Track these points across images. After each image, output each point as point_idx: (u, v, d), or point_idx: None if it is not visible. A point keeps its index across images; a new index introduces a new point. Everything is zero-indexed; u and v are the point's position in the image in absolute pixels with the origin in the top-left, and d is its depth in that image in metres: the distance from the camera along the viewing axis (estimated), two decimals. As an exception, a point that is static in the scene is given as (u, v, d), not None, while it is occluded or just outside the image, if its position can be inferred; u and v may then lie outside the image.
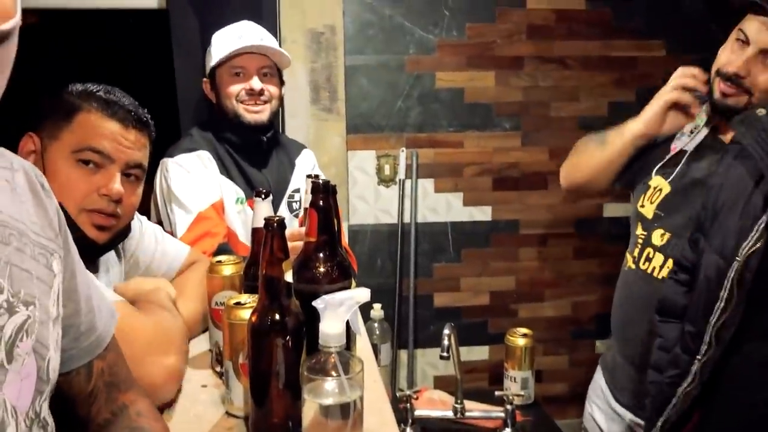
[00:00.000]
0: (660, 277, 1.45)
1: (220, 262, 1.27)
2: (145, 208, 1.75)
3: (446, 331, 1.49)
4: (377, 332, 2.01)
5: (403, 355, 2.80)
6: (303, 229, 1.15)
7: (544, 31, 2.68)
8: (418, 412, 1.69)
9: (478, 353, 2.86)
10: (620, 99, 2.73)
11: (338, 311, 0.86)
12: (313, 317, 0.88)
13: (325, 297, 0.87)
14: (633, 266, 1.54)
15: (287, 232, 0.95)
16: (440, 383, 2.82)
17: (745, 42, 1.35)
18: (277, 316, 0.91)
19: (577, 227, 2.84)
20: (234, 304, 1.05)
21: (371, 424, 0.98)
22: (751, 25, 1.34)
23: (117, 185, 1.16)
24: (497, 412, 1.68)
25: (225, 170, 1.85)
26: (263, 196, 1.21)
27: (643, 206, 1.54)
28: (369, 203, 2.72)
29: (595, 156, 1.64)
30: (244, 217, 1.82)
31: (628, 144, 1.56)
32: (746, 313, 1.31)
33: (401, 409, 1.66)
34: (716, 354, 1.35)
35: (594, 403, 1.72)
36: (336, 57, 2.55)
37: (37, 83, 1.89)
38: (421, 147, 2.71)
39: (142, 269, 1.40)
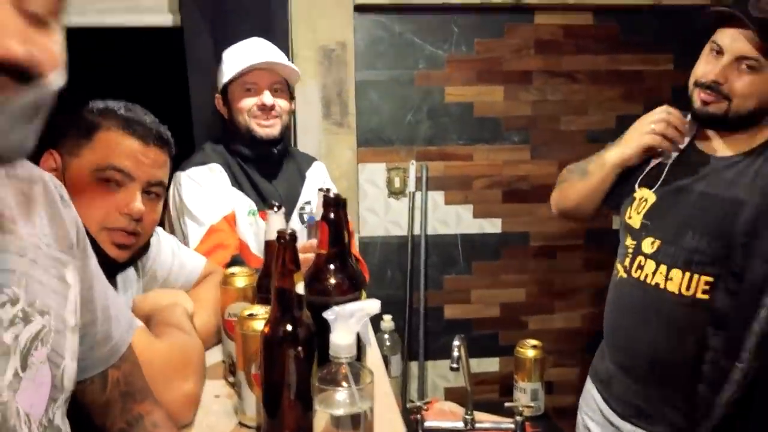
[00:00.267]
0: (653, 283, 1.50)
1: (233, 274, 1.29)
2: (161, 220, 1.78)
3: (456, 343, 1.50)
4: (387, 344, 2.02)
5: (414, 366, 2.80)
6: (314, 242, 1.17)
7: (553, 45, 2.70)
8: (428, 424, 1.69)
9: (489, 365, 2.86)
10: (628, 112, 2.74)
11: (349, 323, 0.87)
12: (324, 328, 0.89)
13: (336, 308, 0.88)
14: (625, 275, 1.58)
15: (299, 245, 0.97)
16: (451, 395, 2.82)
17: (720, 52, 1.42)
18: (289, 328, 0.93)
19: (586, 239, 2.85)
20: (247, 315, 1.07)
21: (381, 434, 0.99)
22: (725, 35, 1.41)
23: (138, 204, 1.16)
24: (507, 423, 1.69)
25: (236, 183, 1.87)
26: (276, 209, 1.23)
27: (630, 218, 1.59)
28: (379, 215, 2.74)
29: (578, 186, 1.71)
30: (256, 229, 1.85)
31: (608, 174, 1.63)
32: None
33: (411, 420, 1.66)
34: (757, 362, 1.40)
35: (586, 415, 1.74)
36: (347, 72, 2.58)
37: (56, 100, 1.93)
38: (431, 160, 2.73)
39: (160, 282, 1.42)
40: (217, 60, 2.04)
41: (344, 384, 0.85)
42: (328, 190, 1.55)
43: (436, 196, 2.76)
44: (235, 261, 1.67)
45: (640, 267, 1.54)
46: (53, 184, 0.80)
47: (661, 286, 1.49)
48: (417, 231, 2.75)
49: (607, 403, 1.65)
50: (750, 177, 1.43)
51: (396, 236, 2.75)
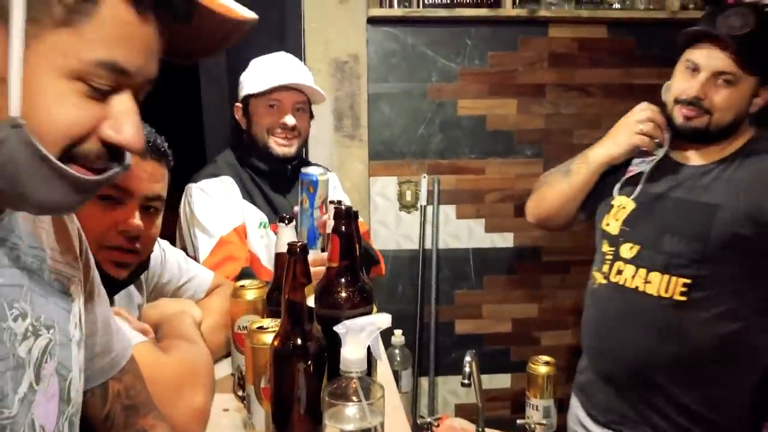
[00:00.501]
0: (633, 286, 1.57)
1: (243, 286, 1.28)
2: (170, 233, 1.78)
3: (467, 359, 1.48)
4: (398, 358, 2.00)
5: (424, 382, 2.78)
6: (325, 255, 1.16)
7: (566, 59, 2.69)
8: (438, 440, 1.67)
9: (500, 381, 2.83)
10: (643, 126, 2.73)
11: (359, 336, 0.86)
12: (335, 342, 0.88)
13: (347, 322, 0.87)
14: (604, 281, 1.64)
15: (310, 258, 0.96)
16: (461, 411, 2.79)
17: (696, 69, 1.50)
18: (299, 341, 0.92)
19: (600, 255, 2.82)
20: (257, 328, 1.06)
21: (391, 451, 0.98)
22: (700, 53, 1.50)
23: (136, 221, 1.12)
24: (519, 441, 1.66)
25: (248, 195, 1.87)
26: (287, 222, 1.22)
27: (608, 224, 1.65)
28: (390, 229, 2.73)
29: (561, 186, 1.75)
30: (266, 242, 1.84)
31: (594, 172, 1.68)
32: None
33: (422, 436, 1.64)
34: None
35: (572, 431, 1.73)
36: (359, 85, 2.58)
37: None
38: (443, 173, 2.72)
39: (167, 297, 1.41)
40: (230, 71, 2.04)
41: (354, 399, 0.84)
42: (339, 202, 1.54)
43: (448, 210, 2.75)
44: (245, 273, 1.66)
45: (619, 272, 1.60)
46: None
47: (641, 289, 1.56)
48: (428, 245, 2.73)
49: (588, 413, 1.69)
50: (724, 183, 1.51)
51: (407, 250, 2.74)
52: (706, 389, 1.54)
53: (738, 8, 1.48)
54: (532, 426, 1.64)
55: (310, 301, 0.93)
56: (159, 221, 1.21)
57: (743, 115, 1.52)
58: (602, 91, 2.73)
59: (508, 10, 2.57)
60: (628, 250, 1.60)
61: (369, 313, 1.03)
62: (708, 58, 1.48)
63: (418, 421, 1.72)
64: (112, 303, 1.23)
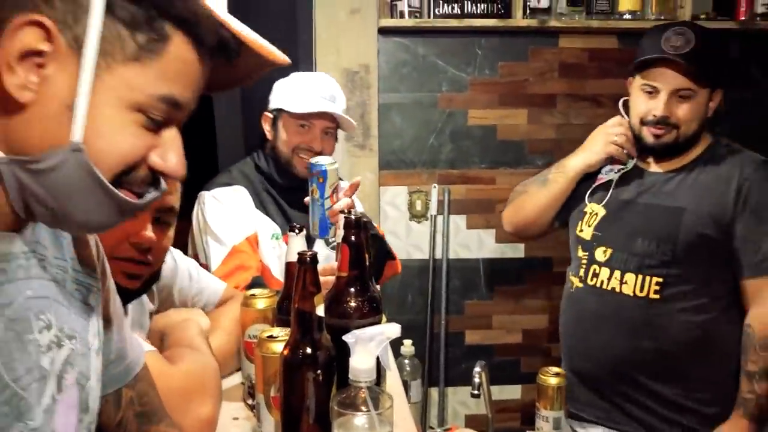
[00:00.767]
0: (609, 288, 1.68)
1: (253, 295, 1.29)
2: (183, 242, 1.78)
3: (477, 369, 1.48)
4: (407, 369, 1.99)
5: (434, 392, 2.77)
6: (335, 264, 1.16)
7: (577, 69, 2.69)
8: (448, 451, 1.66)
9: (510, 392, 2.81)
10: (654, 137, 2.71)
11: (369, 346, 0.87)
12: (344, 352, 0.88)
13: (356, 332, 0.88)
14: (581, 285, 1.75)
15: (319, 267, 0.96)
16: (471, 422, 2.78)
17: (653, 91, 1.63)
18: (309, 350, 0.92)
19: (611, 265, 2.81)
20: (267, 337, 1.06)
21: (400, 461, 0.97)
22: (656, 75, 1.62)
23: (148, 232, 1.12)
24: (529, 452, 1.65)
25: (261, 206, 1.87)
26: (297, 231, 1.23)
27: (582, 231, 1.77)
28: (400, 239, 2.73)
29: (539, 196, 1.85)
30: (278, 253, 1.84)
31: (572, 179, 1.80)
32: None
33: (431, 447, 1.64)
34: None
35: None
36: (370, 95, 2.59)
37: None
38: (453, 183, 2.72)
39: (178, 306, 1.42)
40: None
41: (363, 408, 0.84)
42: (349, 211, 1.55)
43: (458, 220, 2.75)
44: (255, 283, 1.67)
45: (596, 275, 1.72)
46: None
47: (617, 290, 1.68)
48: (438, 255, 2.73)
49: (571, 415, 1.75)
50: (688, 188, 1.67)
51: (417, 260, 2.73)
52: (686, 381, 1.66)
53: (676, 28, 1.62)
54: (543, 438, 1.62)
55: (320, 311, 0.93)
56: (171, 233, 1.21)
57: (704, 122, 1.67)
58: (613, 101, 2.70)
59: (518, 20, 2.57)
60: (602, 254, 1.72)
61: (378, 322, 1.03)
62: (664, 79, 1.61)
63: (428, 432, 1.72)
64: (125, 312, 1.24)
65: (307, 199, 1.62)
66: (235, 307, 1.39)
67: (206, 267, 1.69)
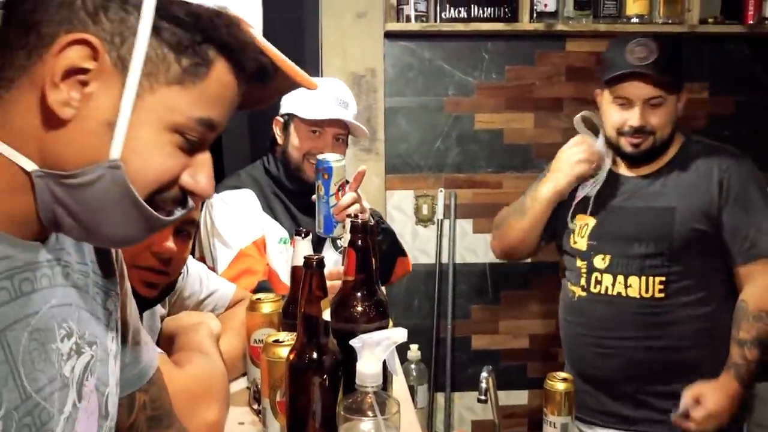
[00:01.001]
0: (615, 293, 1.73)
1: (259, 299, 1.29)
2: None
3: (484, 374, 1.47)
4: (414, 374, 1.98)
5: (440, 397, 2.76)
6: (341, 269, 1.16)
7: (584, 73, 2.68)
8: (454, 457, 1.65)
9: (517, 397, 2.80)
10: (662, 141, 2.70)
11: (375, 351, 0.86)
12: (350, 356, 0.88)
13: (363, 336, 0.87)
14: (584, 294, 1.80)
15: (326, 271, 0.96)
16: (478, 428, 2.77)
17: (626, 103, 1.70)
18: (315, 355, 0.91)
19: (618, 270, 2.79)
20: (272, 341, 1.06)
21: (407, 467, 0.97)
22: (627, 87, 1.69)
23: (170, 243, 1.13)
24: (536, 458, 1.64)
25: (270, 209, 1.87)
26: (303, 235, 1.22)
27: (576, 243, 1.82)
28: (407, 243, 2.71)
29: (519, 224, 1.90)
30: (286, 257, 1.83)
31: (545, 208, 1.84)
32: None
33: (438, 452, 1.63)
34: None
35: None
36: (376, 99, 2.59)
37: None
38: (460, 187, 2.72)
39: (188, 309, 1.42)
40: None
41: (370, 413, 0.84)
42: (356, 216, 1.54)
43: (465, 224, 2.74)
44: (262, 287, 1.66)
45: (599, 282, 1.77)
46: None
47: (623, 294, 1.73)
48: (445, 259, 2.72)
49: (580, 420, 1.77)
50: (673, 187, 1.74)
51: (423, 264, 2.72)
52: (696, 374, 1.70)
53: (637, 40, 1.70)
54: (550, 443, 1.61)
55: (326, 315, 0.93)
56: (189, 245, 1.24)
57: (676, 124, 1.75)
58: (620, 105, 2.71)
59: (525, 24, 2.57)
60: (601, 260, 1.77)
61: (385, 327, 1.03)
62: (635, 91, 1.69)
63: (434, 437, 1.71)
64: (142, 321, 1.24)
65: (314, 196, 1.62)
66: (244, 310, 1.39)
67: (213, 270, 1.69)
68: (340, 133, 1.86)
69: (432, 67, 2.65)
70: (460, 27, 2.56)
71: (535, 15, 2.56)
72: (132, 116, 0.60)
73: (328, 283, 0.97)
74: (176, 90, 0.61)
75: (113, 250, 0.82)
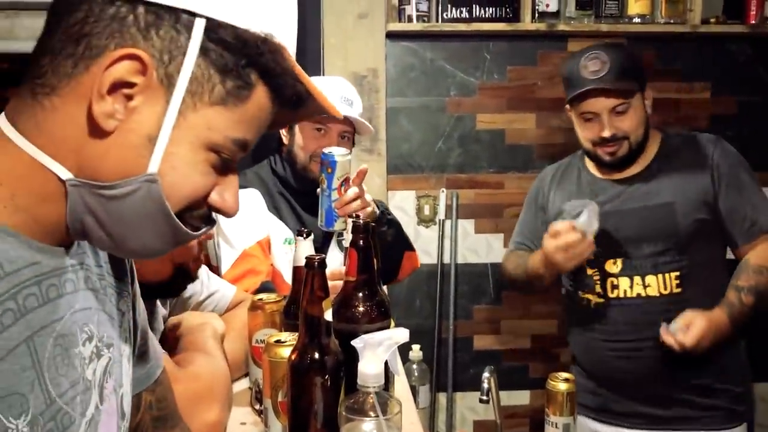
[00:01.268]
0: (634, 295, 1.75)
1: (261, 299, 1.29)
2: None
3: (486, 375, 1.47)
4: (416, 374, 1.98)
5: (442, 398, 2.75)
6: (343, 269, 1.16)
7: (586, 73, 2.68)
8: (456, 457, 1.65)
9: (519, 398, 2.80)
10: (664, 141, 2.70)
11: (377, 351, 0.86)
12: (352, 357, 0.88)
13: (364, 336, 0.87)
14: (601, 300, 1.80)
15: (327, 272, 0.96)
16: (480, 428, 2.77)
17: (593, 117, 1.74)
18: (317, 355, 0.91)
19: (620, 270, 2.79)
20: (274, 342, 1.06)
21: (409, 468, 0.97)
22: (588, 104, 1.73)
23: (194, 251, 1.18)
24: (538, 459, 1.64)
25: (275, 210, 1.87)
26: (304, 236, 1.22)
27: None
28: (409, 243, 2.72)
29: (524, 280, 1.93)
30: (290, 258, 1.83)
31: (544, 273, 1.83)
32: None
33: (439, 453, 1.63)
34: None
35: None
36: (378, 99, 2.59)
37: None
38: (461, 188, 2.72)
39: (189, 310, 1.42)
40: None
41: (371, 414, 0.84)
42: (357, 216, 1.54)
43: (467, 225, 2.74)
44: (264, 288, 1.66)
45: (615, 287, 1.78)
46: None
47: (643, 294, 1.75)
48: (447, 260, 2.72)
49: (603, 422, 1.83)
50: (666, 183, 1.76)
51: (425, 264, 2.72)
52: (716, 363, 1.74)
53: (588, 54, 1.73)
54: (552, 444, 1.61)
55: (328, 315, 0.93)
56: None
57: (648, 122, 1.78)
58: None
59: (527, 24, 2.57)
60: (612, 266, 1.79)
61: (386, 327, 1.03)
62: (597, 104, 1.72)
63: (436, 438, 1.71)
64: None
65: (318, 189, 1.62)
66: (246, 311, 1.39)
67: (217, 269, 1.69)
68: (345, 130, 1.86)
69: (434, 68, 2.65)
70: (461, 27, 2.56)
71: (536, 15, 2.56)
72: (173, 133, 0.61)
73: (330, 283, 0.97)
74: (218, 110, 0.63)
75: None
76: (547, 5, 2.53)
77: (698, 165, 1.76)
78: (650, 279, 1.75)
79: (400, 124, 2.66)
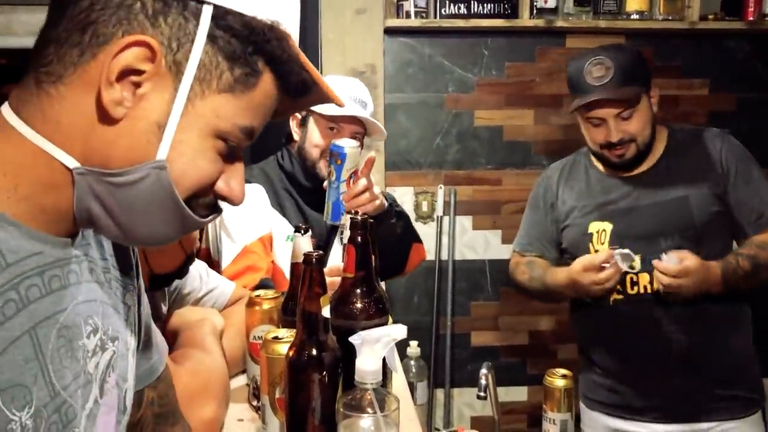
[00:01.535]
0: (656, 289, 1.73)
1: (259, 296, 1.28)
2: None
3: (484, 371, 1.47)
4: (413, 370, 1.98)
5: (440, 394, 2.76)
6: (341, 265, 1.15)
7: (584, 69, 2.68)
8: (454, 453, 1.65)
9: (517, 394, 2.81)
10: (662, 137, 2.70)
11: (375, 347, 0.86)
12: (350, 353, 0.88)
13: (362, 333, 0.87)
14: (620, 296, 1.78)
15: (325, 268, 0.96)
16: (477, 424, 2.77)
17: (600, 123, 1.75)
18: (314, 351, 0.91)
19: (618, 267, 2.79)
20: (272, 338, 1.06)
21: (406, 464, 0.97)
22: (594, 111, 1.74)
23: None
24: (536, 455, 1.64)
25: (279, 205, 1.86)
26: (302, 232, 1.22)
27: (597, 251, 1.80)
28: (407, 240, 2.72)
29: (542, 292, 1.93)
30: None
31: (567, 294, 1.87)
32: None
33: (437, 449, 1.63)
34: None
35: None
36: (376, 95, 2.58)
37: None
38: (459, 184, 2.71)
39: (187, 306, 1.42)
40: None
41: (369, 410, 0.84)
42: (356, 212, 1.53)
43: (464, 221, 2.74)
44: (263, 284, 1.66)
45: (635, 283, 1.76)
46: None
47: (663, 288, 1.72)
48: (444, 256, 2.72)
49: (619, 417, 1.84)
50: (678, 177, 1.77)
51: (423, 261, 2.72)
52: (734, 352, 1.77)
53: (592, 60, 1.73)
54: (549, 440, 1.62)
55: (326, 312, 0.93)
56: None
57: (654, 120, 1.79)
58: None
59: (525, 20, 2.56)
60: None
61: (384, 324, 1.02)
62: (602, 111, 1.73)
63: (434, 434, 1.71)
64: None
65: (325, 183, 1.61)
66: (244, 307, 1.39)
67: (217, 263, 1.69)
68: (357, 131, 1.86)
69: (432, 64, 2.64)
70: (460, 23, 2.56)
71: (535, 11, 2.56)
72: (181, 120, 0.61)
73: (328, 279, 0.97)
74: (226, 97, 0.63)
75: (131, 246, 0.82)
76: (545, 1, 2.53)
77: (707, 159, 1.77)
78: None
79: (398, 121, 2.66)
